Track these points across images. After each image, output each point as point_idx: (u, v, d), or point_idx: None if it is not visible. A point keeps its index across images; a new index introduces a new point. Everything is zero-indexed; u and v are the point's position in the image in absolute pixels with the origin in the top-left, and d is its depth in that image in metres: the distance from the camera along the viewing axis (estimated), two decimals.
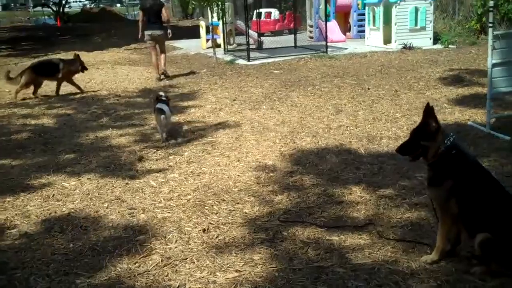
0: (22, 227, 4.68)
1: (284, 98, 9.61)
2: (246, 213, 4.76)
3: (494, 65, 6.67)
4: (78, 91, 11.09)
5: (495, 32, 6.64)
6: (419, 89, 9.78)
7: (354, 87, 10.19)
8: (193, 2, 15.69)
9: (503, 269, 3.45)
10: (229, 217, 4.68)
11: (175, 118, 8.35)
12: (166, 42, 13.26)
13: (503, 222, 3.44)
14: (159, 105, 7.25)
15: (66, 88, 11.18)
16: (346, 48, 16.00)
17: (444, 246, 3.69)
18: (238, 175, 5.76)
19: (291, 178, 5.59)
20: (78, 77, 11.33)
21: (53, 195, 5.41)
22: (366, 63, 13.35)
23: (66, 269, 3.91)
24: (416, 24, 15.68)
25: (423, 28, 15.79)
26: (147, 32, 12.38)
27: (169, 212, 4.85)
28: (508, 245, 3.39)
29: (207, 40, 17.81)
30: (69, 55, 14.13)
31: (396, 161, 5.78)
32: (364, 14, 17.63)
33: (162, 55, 12.76)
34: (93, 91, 11.35)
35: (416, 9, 15.55)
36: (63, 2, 42.37)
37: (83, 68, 11.26)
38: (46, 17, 45.89)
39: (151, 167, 6.21)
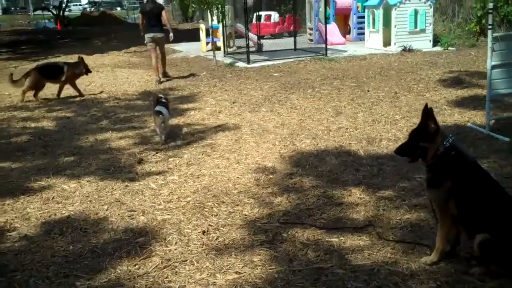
0: (22, 229, 4.68)
1: (283, 100, 9.61)
2: (245, 215, 4.76)
3: (493, 67, 6.67)
4: (78, 94, 11.09)
5: (495, 34, 6.64)
6: (419, 91, 9.79)
7: (354, 89, 10.20)
8: (193, 5, 15.70)
9: (502, 270, 3.45)
10: (229, 219, 4.69)
11: (174, 121, 8.37)
12: (166, 45, 13.35)
13: (502, 223, 3.44)
14: (158, 108, 7.27)
15: (66, 91, 11.19)
16: (345, 51, 16.02)
17: (443, 247, 3.69)
18: (238, 177, 5.77)
19: (291, 180, 5.59)
20: (78, 80, 11.33)
21: (53, 197, 5.41)
22: (366, 65, 13.36)
23: (66, 271, 3.91)
24: (415, 27, 15.71)
25: (422, 31, 15.82)
26: (148, 35, 12.49)
27: (168, 214, 4.85)
28: (507, 246, 3.39)
29: (207, 43, 17.83)
30: (69, 59, 14.21)
31: (395, 163, 5.78)
32: (363, 17, 17.66)
33: (163, 57, 12.87)
34: (93, 94, 11.36)
35: (416, 12, 15.58)
36: (63, 5, 42.44)
37: (87, 71, 11.31)
38: (46, 20, 45.98)
39: (150, 169, 6.21)
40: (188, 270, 3.83)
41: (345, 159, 6.17)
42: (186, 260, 3.98)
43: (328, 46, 15.66)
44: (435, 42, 16.16)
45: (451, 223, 3.63)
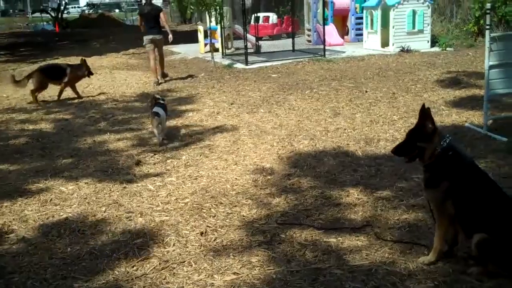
0: (20, 231, 4.68)
1: (282, 101, 9.62)
2: (243, 216, 4.76)
3: (491, 67, 6.68)
4: (76, 96, 11.09)
5: (492, 34, 6.66)
6: (417, 91, 9.80)
7: (352, 90, 10.21)
8: (191, 7, 15.69)
9: (500, 269, 3.45)
10: (227, 220, 4.69)
11: (172, 122, 8.37)
12: (164, 47, 13.41)
13: (499, 222, 3.45)
14: (155, 109, 7.31)
15: (64, 93, 11.17)
16: (344, 52, 16.04)
17: (441, 247, 3.69)
18: (236, 178, 5.77)
19: (289, 180, 5.59)
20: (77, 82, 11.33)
21: (51, 199, 5.40)
22: (364, 66, 13.37)
23: (64, 273, 3.91)
24: (413, 27, 15.72)
25: (420, 31, 15.83)
26: (147, 37, 12.58)
27: (166, 216, 4.85)
28: (505, 246, 3.40)
29: (205, 45, 17.85)
30: (67, 61, 14.19)
31: (393, 163, 5.79)
32: (362, 18, 17.68)
33: (161, 59, 12.94)
34: (91, 96, 11.35)
35: (414, 12, 15.59)
36: (62, 8, 42.44)
37: (89, 73, 11.35)
38: (45, 23, 45.87)
39: (148, 171, 6.21)
40: (186, 271, 3.83)
41: (343, 159, 6.17)
42: (184, 261, 3.97)
43: (326, 47, 15.66)
44: (433, 42, 16.18)
45: (448, 223, 3.63)
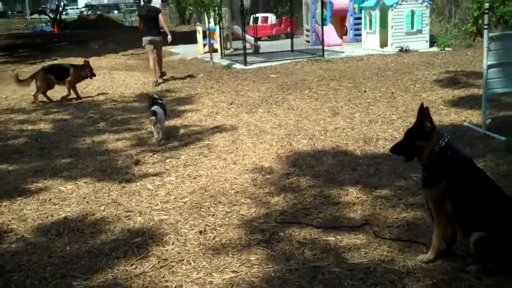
0: (19, 230, 4.68)
1: (280, 101, 9.62)
2: (242, 215, 4.76)
3: (489, 67, 6.69)
4: (75, 96, 11.09)
5: (490, 34, 6.67)
6: (415, 91, 9.81)
7: (351, 90, 10.22)
8: (190, 7, 15.71)
9: (498, 267, 3.46)
10: (226, 219, 4.69)
11: (171, 122, 8.38)
12: (163, 47, 13.47)
13: (498, 221, 3.45)
14: (153, 107, 7.34)
15: (61, 93, 11.17)
16: (342, 52, 16.04)
17: (439, 245, 3.70)
18: (235, 178, 5.77)
19: (288, 179, 5.60)
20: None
21: (50, 199, 5.41)
22: (363, 66, 13.38)
23: (63, 271, 3.91)
24: (412, 27, 15.73)
25: (419, 31, 15.85)
26: (146, 38, 12.65)
27: (165, 215, 4.85)
28: (503, 244, 3.40)
29: (204, 45, 17.86)
30: (66, 62, 14.16)
31: (392, 162, 5.79)
32: (360, 18, 17.69)
33: (159, 60, 13.00)
34: (90, 97, 11.36)
35: (412, 12, 15.61)
36: (60, 9, 42.41)
37: (92, 75, 11.39)
38: (43, 24, 45.86)
39: (147, 170, 6.21)
40: (185, 270, 3.84)
41: (342, 159, 6.18)
42: (183, 260, 3.98)
43: (325, 47, 15.66)
44: (432, 42, 16.19)
45: (447, 221, 3.64)
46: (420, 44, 15.74)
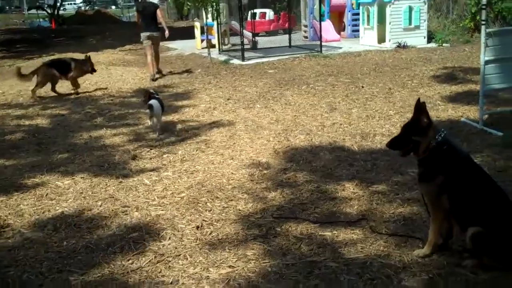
0: (16, 225, 4.67)
1: (278, 97, 9.62)
2: (239, 210, 4.76)
3: (486, 62, 6.69)
4: (73, 91, 11.08)
5: (488, 30, 6.66)
6: (413, 87, 9.81)
7: (348, 86, 10.22)
8: (188, 3, 15.68)
9: (495, 262, 3.46)
10: (223, 214, 4.69)
11: (169, 117, 8.37)
12: (161, 43, 13.48)
13: (494, 216, 3.45)
14: (151, 101, 7.41)
15: (60, 88, 11.16)
16: (340, 48, 16.03)
17: (436, 240, 3.70)
18: (232, 173, 5.77)
19: (285, 175, 5.60)
20: None
21: (47, 194, 5.40)
22: (360, 61, 13.38)
23: (60, 266, 3.91)
24: (410, 23, 15.72)
25: (417, 27, 15.83)
26: (144, 34, 12.66)
27: (162, 210, 4.85)
28: (499, 239, 3.41)
29: (202, 41, 17.83)
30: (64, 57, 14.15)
31: (389, 158, 5.80)
32: (358, 14, 17.66)
33: (156, 56, 13.01)
34: (88, 92, 11.34)
35: (410, 8, 15.59)
36: (58, 4, 42.29)
37: (93, 70, 11.41)
38: (41, 19, 45.81)
39: (144, 165, 6.21)
40: (182, 265, 3.84)
41: (339, 154, 6.18)
42: (179, 255, 3.98)
43: (323, 43, 15.65)
44: (430, 38, 16.18)
45: (443, 216, 3.64)
46: (418, 40, 15.73)
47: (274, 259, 3.83)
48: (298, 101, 9.12)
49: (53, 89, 10.96)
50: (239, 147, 6.70)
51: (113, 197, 5.24)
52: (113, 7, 67.82)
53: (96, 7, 56.68)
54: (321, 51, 15.09)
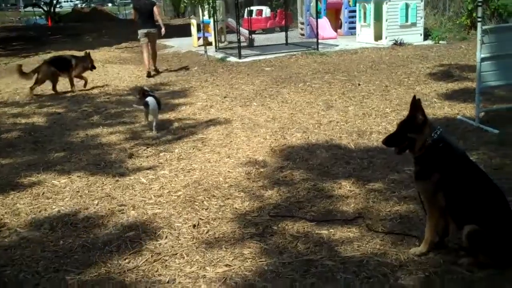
0: (12, 225, 4.66)
1: (275, 94, 9.62)
2: (236, 209, 4.76)
3: (483, 59, 6.70)
4: (70, 89, 11.06)
5: (484, 27, 6.67)
6: (409, 84, 9.82)
7: (345, 83, 10.22)
8: (185, 0, 15.68)
9: (491, 260, 3.47)
10: (219, 213, 4.69)
11: (165, 115, 8.36)
12: (158, 41, 13.48)
13: (490, 214, 3.46)
14: (147, 98, 7.48)
15: (59, 86, 11.12)
16: (337, 45, 16.05)
17: (432, 238, 3.71)
18: (229, 171, 5.77)
19: (281, 173, 5.60)
20: None
21: (43, 193, 5.39)
22: (357, 59, 13.38)
23: (56, 266, 3.90)
24: (406, 21, 15.75)
25: (413, 24, 15.86)
26: (142, 31, 12.70)
27: (159, 209, 4.85)
28: (495, 237, 3.42)
29: (199, 38, 17.82)
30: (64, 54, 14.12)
31: (385, 155, 5.80)
32: (355, 11, 17.68)
33: (153, 54, 13.01)
34: (84, 90, 11.31)
35: (407, 6, 15.62)
36: (54, 2, 42.18)
37: (92, 67, 11.44)
38: (37, 17, 45.63)
39: (141, 164, 6.20)
40: (178, 264, 3.84)
41: (335, 152, 6.19)
42: (176, 254, 3.98)
43: (320, 41, 15.67)
44: (426, 35, 16.21)
45: (439, 214, 3.65)
46: (414, 37, 15.76)
47: (271, 257, 3.83)
48: (295, 99, 9.13)
49: (53, 88, 10.92)
50: (235, 145, 6.70)
51: (109, 195, 5.23)
52: (110, 4, 67.54)
53: (92, 5, 56.50)
54: (317, 48, 15.10)
